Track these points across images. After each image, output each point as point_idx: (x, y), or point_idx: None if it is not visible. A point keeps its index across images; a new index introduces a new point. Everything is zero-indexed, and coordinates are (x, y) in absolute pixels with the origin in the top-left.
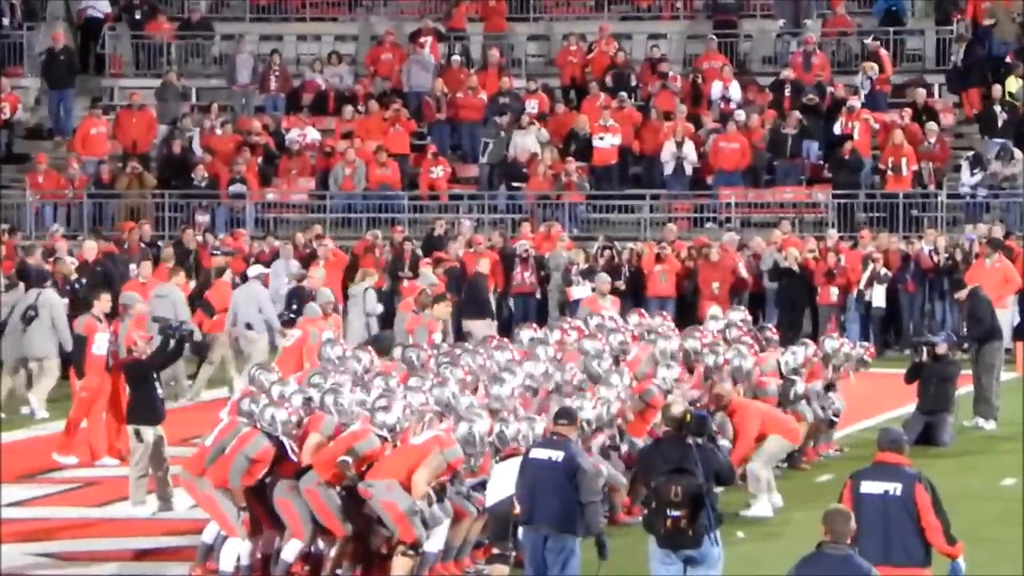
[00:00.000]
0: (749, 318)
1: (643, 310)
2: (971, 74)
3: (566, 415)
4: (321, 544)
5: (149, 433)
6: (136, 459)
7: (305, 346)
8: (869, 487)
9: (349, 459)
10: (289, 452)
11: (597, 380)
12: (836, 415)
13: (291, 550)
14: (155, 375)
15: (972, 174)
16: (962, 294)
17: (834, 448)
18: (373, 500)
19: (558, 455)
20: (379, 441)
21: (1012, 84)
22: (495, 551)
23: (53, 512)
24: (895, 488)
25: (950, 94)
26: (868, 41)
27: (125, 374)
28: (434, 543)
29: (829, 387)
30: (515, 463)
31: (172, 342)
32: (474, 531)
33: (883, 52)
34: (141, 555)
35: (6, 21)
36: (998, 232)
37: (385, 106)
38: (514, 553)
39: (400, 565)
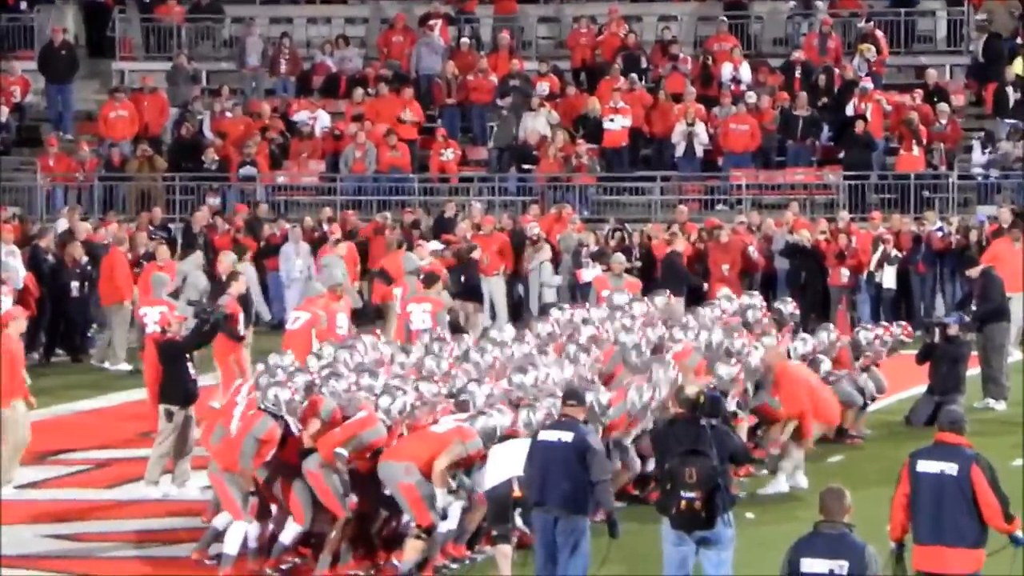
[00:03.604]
0: (763, 304)
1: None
2: (991, 67)
3: (575, 396)
4: (322, 526)
5: (179, 414)
6: (162, 439)
7: (316, 328)
8: (925, 466)
9: (345, 452)
10: (294, 431)
11: (636, 372)
12: (871, 398)
13: (289, 534)
14: (188, 356)
15: (984, 153)
16: (974, 271)
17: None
18: (389, 482)
19: (568, 436)
20: (386, 431)
21: (1018, 66)
22: (495, 532)
23: (63, 494)
24: (951, 468)
25: (968, 84)
26: (861, 24)
27: (159, 353)
28: (447, 524)
29: (863, 371)
30: (512, 445)
31: (206, 325)
32: None
33: (880, 34)
34: (149, 536)
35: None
36: (1006, 216)
37: (395, 89)
38: (515, 533)
39: (412, 548)
